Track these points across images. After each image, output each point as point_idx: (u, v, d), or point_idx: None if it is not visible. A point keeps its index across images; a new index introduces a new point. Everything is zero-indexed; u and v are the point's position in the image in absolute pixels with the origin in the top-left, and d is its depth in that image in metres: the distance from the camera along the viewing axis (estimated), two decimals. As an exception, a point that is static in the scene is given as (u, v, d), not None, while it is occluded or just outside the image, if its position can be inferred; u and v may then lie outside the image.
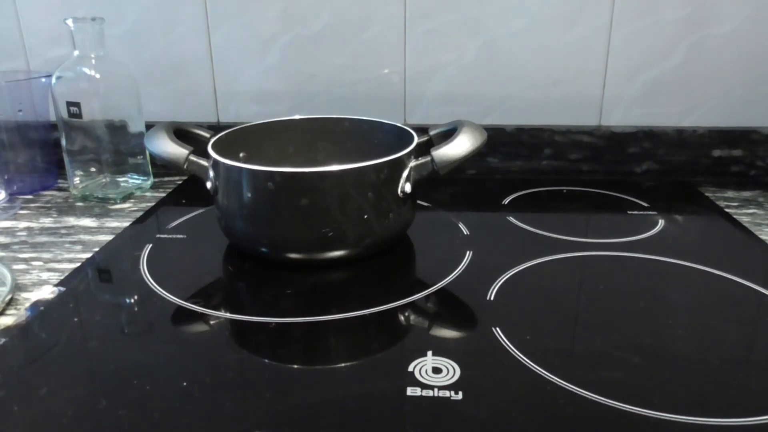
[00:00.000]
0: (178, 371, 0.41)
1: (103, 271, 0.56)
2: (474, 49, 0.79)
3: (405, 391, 0.38)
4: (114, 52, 0.77)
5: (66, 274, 0.55)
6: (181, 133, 0.63)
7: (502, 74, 0.80)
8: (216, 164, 0.56)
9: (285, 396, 0.39)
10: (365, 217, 0.54)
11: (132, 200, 0.74)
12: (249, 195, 0.54)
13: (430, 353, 0.42)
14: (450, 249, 0.60)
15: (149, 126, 0.65)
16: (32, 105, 0.76)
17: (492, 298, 0.50)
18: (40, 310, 0.49)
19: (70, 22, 0.69)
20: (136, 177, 0.77)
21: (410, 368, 0.41)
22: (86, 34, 0.70)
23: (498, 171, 0.83)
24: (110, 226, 0.66)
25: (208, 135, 0.64)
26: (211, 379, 0.40)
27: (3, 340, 0.45)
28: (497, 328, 0.45)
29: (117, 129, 0.73)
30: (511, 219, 0.67)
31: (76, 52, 0.71)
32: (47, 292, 0.51)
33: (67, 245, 0.61)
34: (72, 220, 0.68)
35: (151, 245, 0.61)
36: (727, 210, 0.70)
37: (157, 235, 0.63)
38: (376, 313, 0.48)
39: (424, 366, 0.41)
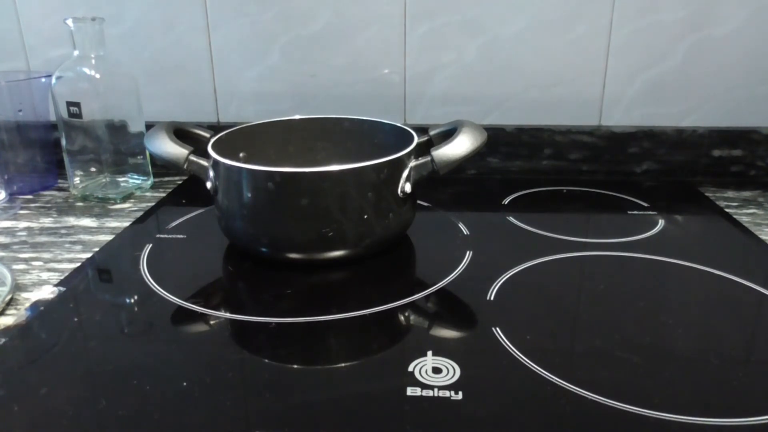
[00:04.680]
0: (178, 371, 0.41)
1: (103, 271, 0.56)
2: (474, 49, 0.79)
3: (405, 391, 0.38)
4: (114, 52, 0.77)
5: (66, 274, 0.55)
6: (181, 133, 0.63)
7: (502, 74, 0.80)
8: (216, 164, 0.56)
9: (285, 396, 0.39)
10: (365, 217, 0.54)
11: (132, 200, 0.74)
12: (249, 195, 0.54)
13: (430, 353, 0.42)
14: (450, 249, 0.60)
15: (149, 126, 0.65)
16: (32, 105, 0.76)
17: (492, 298, 0.50)
18: (40, 310, 0.49)
19: (70, 22, 0.69)
20: (136, 177, 0.77)
21: (410, 368, 0.41)
22: (86, 34, 0.70)
23: (498, 171, 0.83)
24: (110, 226, 0.66)
25: (208, 135, 0.64)
26: (211, 379, 0.40)
27: (3, 340, 0.45)
28: (497, 328, 0.45)
29: (117, 129, 0.73)
30: (511, 219, 0.67)
31: (76, 52, 0.71)
32: (47, 292, 0.51)
33: (67, 245, 0.61)
34: (72, 220, 0.68)
35: (151, 245, 0.61)
36: (727, 210, 0.70)
37: (157, 235, 0.63)
38: (376, 313, 0.48)
39: (424, 366, 0.41)
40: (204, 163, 0.58)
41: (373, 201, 0.54)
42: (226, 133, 0.63)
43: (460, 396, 0.38)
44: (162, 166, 0.70)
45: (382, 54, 0.80)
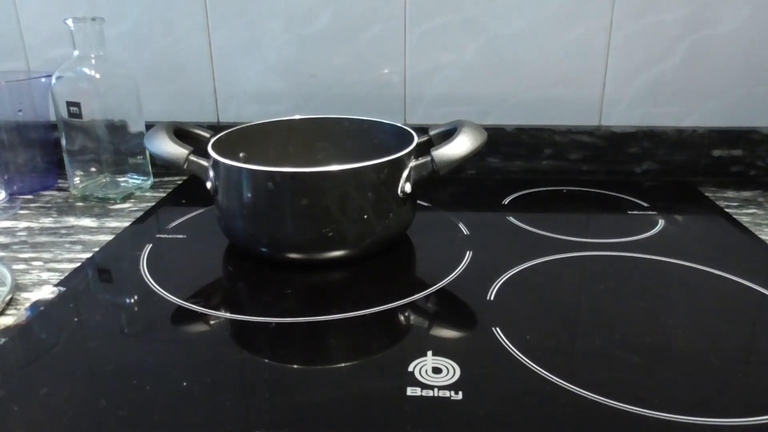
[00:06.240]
0: (178, 371, 0.41)
1: (103, 271, 0.56)
2: (474, 49, 0.79)
3: (405, 391, 0.38)
4: (114, 52, 0.77)
5: (66, 274, 0.55)
6: (181, 133, 0.63)
7: (502, 74, 0.80)
8: (216, 164, 0.56)
9: (285, 396, 0.39)
10: (365, 217, 0.54)
11: (132, 200, 0.74)
12: (249, 195, 0.54)
13: (430, 353, 0.42)
14: (450, 249, 0.60)
15: (149, 126, 0.65)
16: (32, 105, 0.76)
17: (492, 298, 0.50)
18: (40, 310, 0.49)
19: (70, 22, 0.69)
20: (136, 177, 0.77)
21: (410, 368, 0.41)
22: (86, 34, 0.70)
23: (498, 171, 0.83)
24: (110, 226, 0.66)
25: (208, 135, 0.64)
26: (211, 379, 0.40)
27: (3, 340, 0.45)
28: (497, 328, 0.45)
29: (117, 129, 0.73)
30: (511, 219, 0.67)
31: (76, 52, 0.71)
32: (47, 292, 0.51)
33: (67, 245, 0.61)
34: (72, 220, 0.68)
35: (151, 245, 0.61)
36: (727, 210, 0.70)
37: (157, 235, 0.63)
38: (376, 313, 0.48)
39: (424, 366, 0.41)
40: (204, 163, 0.58)
41: (373, 201, 0.54)
42: (226, 133, 0.63)
43: (460, 396, 0.38)
44: (162, 166, 0.70)
45: (382, 54, 0.80)
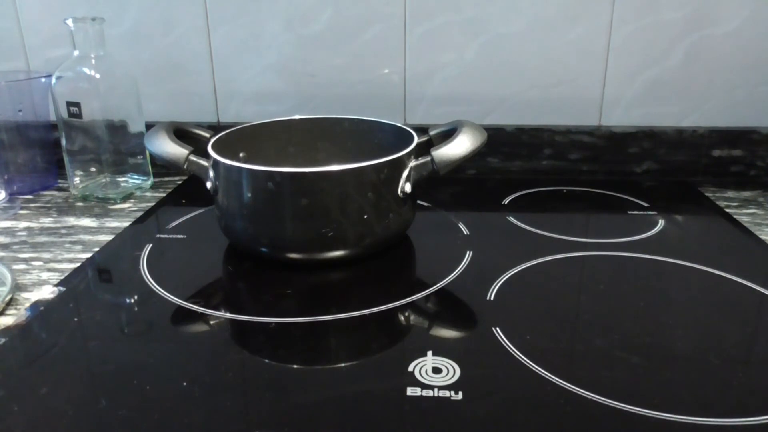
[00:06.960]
0: (178, 371, 0.41)
1: (103, 271, 0.56)
2: (474, 49, 0.79)
3: (405, 391, 0.38)
4: (114, 52, 0.77)
5: (66, 274, 0.55)
6: (181, 133, 0.63)
7: (502, 74, 0.80)
8: (216, 164, 0.56)
9: (285, 396, 0.39)
10: (365, 217, 0.54)
11: (132, 200, 0.74)
12: (249, 195, 0.54)
13: (430, 353, 0.42)
14: (450, 249, 0.60)
15: (149, 126, 0.65)
16: (32, 105, 0.76)
17: (492, 298, 0.50)
18: (40, 310, 0.49)
19: (70, 22, 0.69)
20: (136, 177, 0.77)
21: (410, 368, 0.41)
22: (86, 34, 0.70)
23: (498, 171, 0.83)
24: (110, 226, 0.66)
25: (208, 135, 0.64)
26: (211, 379, 0.40)
27: (3, 340, 0.45)
28: (497, 328, 0.45)
29: (117, 129, 0.73)
30: (511, 219, 0.67)
31: (76, 52, 0.71)
32: (47, 292, 0.51)
33: (67, 245, 0.61)
34: (72, 220, 0.68)
35: (151, 245, 0.61)
36: (727, 210, 0.70)
37: (157, 235, 0.63)
38: (376, 313, 0.48)
39: (424, 366, 0.41)
40: (204, 163, 0.58)
41: (373, 201, 0.54)
42: (226, 133, 0.63)
43: (460, 396, 0.38)
44: (162, 166, 0.70)
45: (382, 54, 0.80)
